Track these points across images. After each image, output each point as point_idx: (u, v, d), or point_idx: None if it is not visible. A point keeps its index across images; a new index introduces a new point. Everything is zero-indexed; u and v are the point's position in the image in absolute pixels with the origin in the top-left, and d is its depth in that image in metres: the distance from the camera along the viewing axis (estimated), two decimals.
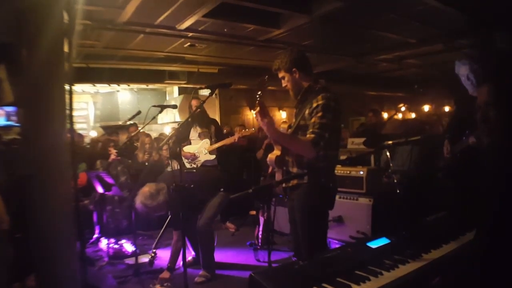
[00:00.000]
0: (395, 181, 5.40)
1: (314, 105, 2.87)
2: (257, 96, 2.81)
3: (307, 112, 2.92)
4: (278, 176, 3.14)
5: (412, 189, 5.24)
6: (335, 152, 3.04)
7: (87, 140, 9.23)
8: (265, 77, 2.86)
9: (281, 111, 12.87)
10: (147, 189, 4.28)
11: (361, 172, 5.03)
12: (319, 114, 2.82)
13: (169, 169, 6.28)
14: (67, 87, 2.64)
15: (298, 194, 3.00)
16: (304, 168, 2.94)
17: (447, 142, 4.45)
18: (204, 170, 4.96)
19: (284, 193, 3.19)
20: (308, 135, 2.83)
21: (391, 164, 5.69)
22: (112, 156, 6.55)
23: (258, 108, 2.79)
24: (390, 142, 5.01)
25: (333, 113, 2.84)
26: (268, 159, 3.15)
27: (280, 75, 3.11)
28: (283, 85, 3.13)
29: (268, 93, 11.89)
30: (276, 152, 3.09)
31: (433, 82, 11.96)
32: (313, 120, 2.84)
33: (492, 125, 1.75)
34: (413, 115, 12.78)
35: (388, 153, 5.67)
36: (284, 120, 12.19)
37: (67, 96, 2.62)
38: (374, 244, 2.20)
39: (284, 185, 3.10)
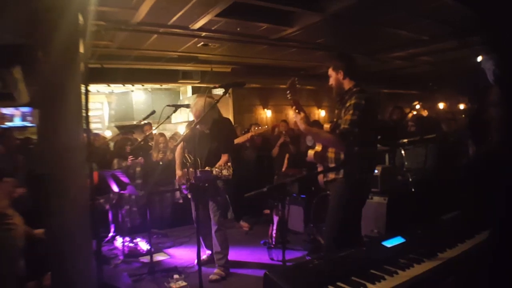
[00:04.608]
0: (410, 180, 5.37)
1: (347, 105, 3.18)
2: (288, 96, 3.34)
3: (343, 113, 3.23)
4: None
5: (427, 188, 5.19)
6: (370, 149, 3.29)
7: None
8: (295, 79, 3.26)
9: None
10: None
11: (376, 171, 4.98)
12: (350, 112, 3.11)
13: None
14: (82, 87, 2.67)
15: (333, 186, 3.32)
16: (341, 164, 3.22)
17: (471, 143, 4.44)
18: None
19: (325, 186, 3.55)
20: (338, 131, 3.15)
21: (405, 163, 5.65)
22: (129, 160, 6.56)
23: (294, 106, 3.33)
24: (405, 140, 4.96)
25: (363, 111, 3.10)
26: (308, 154, 3.50)
27: (329, 72, 3.46)
28: (330, 83, 3.46)
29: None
30: (317, 148, 3.45)
31: (447, 79, 11.82)
32: (344, 117, 3.15)
33: (497, 124, 1.73)
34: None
35: (403, 152, 5.64)
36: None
37: (82, 97, 2.66)
38: (389, 243, 2.19)
39: (324, 179, 3.41)
